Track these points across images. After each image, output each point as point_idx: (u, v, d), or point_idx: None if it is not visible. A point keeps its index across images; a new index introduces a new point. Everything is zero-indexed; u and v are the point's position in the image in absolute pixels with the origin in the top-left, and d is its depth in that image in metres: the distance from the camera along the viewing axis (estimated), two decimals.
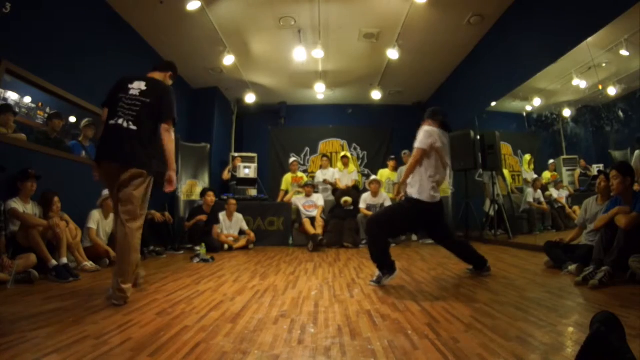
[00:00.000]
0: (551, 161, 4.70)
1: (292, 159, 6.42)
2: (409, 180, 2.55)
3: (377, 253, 2.48)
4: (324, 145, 8.12)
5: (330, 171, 6.29)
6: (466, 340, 1.33)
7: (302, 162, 7.82)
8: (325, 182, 6.06)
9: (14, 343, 1.32)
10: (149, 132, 2.16)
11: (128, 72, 4.59)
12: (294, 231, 5.37)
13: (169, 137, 2.19)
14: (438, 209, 2.56)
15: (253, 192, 6.31)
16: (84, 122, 4.00)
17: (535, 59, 4.02)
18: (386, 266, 2.43)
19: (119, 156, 2.07)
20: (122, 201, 2.09)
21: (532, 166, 4.91)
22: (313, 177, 6.46)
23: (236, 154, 7.09)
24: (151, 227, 4.18)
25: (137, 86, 2.23)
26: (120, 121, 2.09)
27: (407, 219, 2.58)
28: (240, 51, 5.56)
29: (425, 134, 2.49)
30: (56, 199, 3.06)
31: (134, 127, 2.09)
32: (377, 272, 2.46)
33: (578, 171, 4.29)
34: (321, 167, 6.46)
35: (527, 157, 5.00)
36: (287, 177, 6.15)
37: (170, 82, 2.50)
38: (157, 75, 2.43)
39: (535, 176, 4.81)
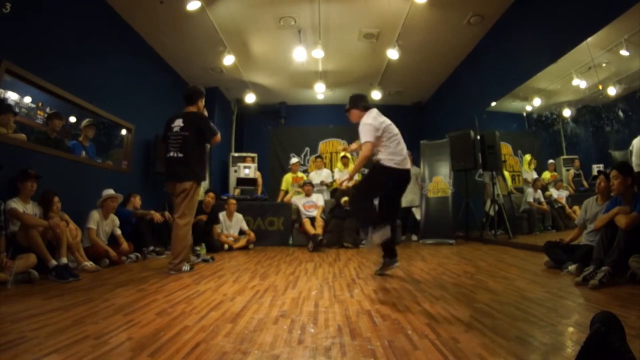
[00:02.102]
0: (550, 161, 4.70)
1: (294, 160, 6.38)
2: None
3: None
4: (324, 145, 8.11)
5: (324, 172, 6.28)
6: (466, 340, 1.33)
7: (302, 162, 7.81)
8: (322, 183, 6.06)
9: (14, 343, 1.31)
10: (192, 155, 3.06)
11: (127, 72, 4.68)
12: (294, 231, 5.37)
13: (214, 142, 3.37)
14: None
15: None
16: (85, 122, 4.00)
17: (535, 59, 4.02)
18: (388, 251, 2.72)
19: (175, 177, 3.06)
20: (175, 205, 3.10)
21: (532, 166, 4.92)
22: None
23: (236, 154, 7.09)
24: (151, 227, 4.18)
25: (177, 124, 3.10)
26: (172, 153, 3.07)
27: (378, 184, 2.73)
28: (240, 51, 5.56)
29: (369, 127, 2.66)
30: (56, 199, 3.06)
31: (180, 155, 3.03)
32: (380, 261, 2.69)
33: (572, 172, 4.31)
34: (316, 168, 6.43)
35: (527, 157, 5.01)
36: (287, 177, 6.14)
37: (202, 106, 3.29)
38: (191, 108, 3.22)
39: (536, 176, 4.81)
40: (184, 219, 3.03)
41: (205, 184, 6.11)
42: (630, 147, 3.11)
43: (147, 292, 2.23)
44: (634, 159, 3.04)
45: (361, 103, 2.82)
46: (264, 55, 5.81)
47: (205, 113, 3.34)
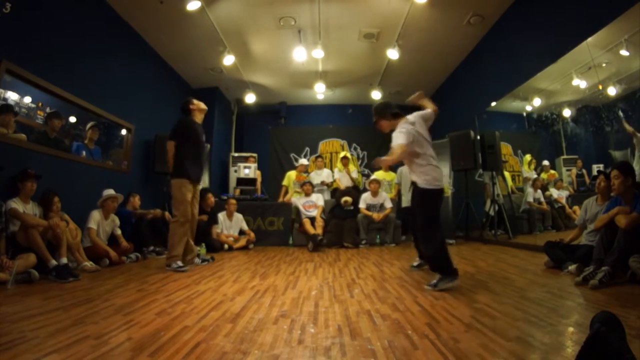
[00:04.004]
0: (545, 163, 4.70)
1: (304, 161, 6.34)
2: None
3: (440, 259, 2.27)
4: (324, 145, 8.11)
5: (324, 172, 6.27)
6: (466, 340, 1.33)
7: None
8: (322, 183, 6.05)
9: (14, 343, 1.31)
10: (174, 158, 3.22)
11: (127, 72, 4.69)
12: (294, 231, 5.37)
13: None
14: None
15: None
16: (89, 125, 4.05)
17: (535, 59, 4.02)
18: (450, 269, 2.24)
19: None
20: None
21: (532, 166, 4.91)
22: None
23: (236, 154, 7.09)
24: (151, 227, 4.18)
25: None
26: None
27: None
28: (240, 51, 5.56)
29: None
30: (56, 199, 3.06)
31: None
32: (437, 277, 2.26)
33: (574, 170, 4.30)
34: (316, 168, 6.42)
35: (527, 157, 5.00)
36: (291, 174, 6.15)
37: (195, 107, 3.42)
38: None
39: (536, 176, 4.81)
40: (174, 217, 3.22)
41: (204, 184, 6.14)
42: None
43: (147, 292, 2.23)
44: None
45: (388, 111, 2.67)
46: (264, 55, 5.81)
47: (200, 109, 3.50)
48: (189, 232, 3.28)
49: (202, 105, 3.44)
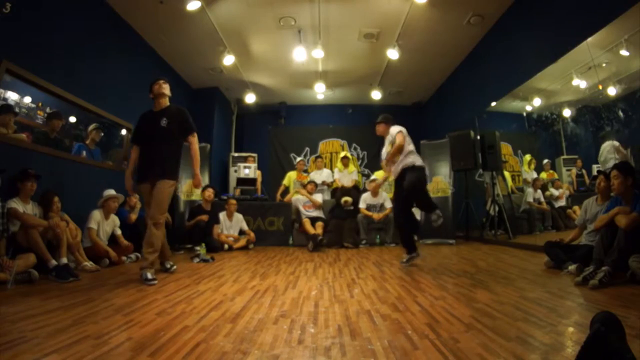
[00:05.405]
0: (546, 161, 4.70)
1: (299, 159, 6.41)
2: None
3: (410, 239, 3.32)
4: (324, 145, 8.11)
5: (325, 172, 6.28)
6: (466, 340, 1.33)
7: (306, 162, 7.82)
8: (323, 183, 6.05)
9: (14, 343, 1.32)
10: None
11: (127, 72, 4.68)
12: (294, 231, 5.36)
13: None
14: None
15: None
16: (92, 126, 4.07)
17: (535, 59, 4.02)
18: (414, 248, 3.27)
19: None
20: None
21: (532, 166, 4.92)
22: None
23: (236, 154, 7.09)
24: None
25: None
26: None
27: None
28: (240, 51, 5.56)
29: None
30: (56, 199, 3.06)
31: None
32: (406, 255, 3.26)
33: (574, 170, 4.31)
34: (316, 168, 6.44)
35: (527, 157, 5.00)
36: (292, 174, 6.15)
37: (152, 94, 3.10)
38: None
39: (535, 176, 4.81)
40: None
41: (204, 184, 6.17)
42: (600, 152, 3.20)
43: (147, 292, 2.23)
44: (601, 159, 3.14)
45: (391, 122, 3.44)
46: (264, 55, 5.81)
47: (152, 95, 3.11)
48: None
49: (156, 90, 2.98)
